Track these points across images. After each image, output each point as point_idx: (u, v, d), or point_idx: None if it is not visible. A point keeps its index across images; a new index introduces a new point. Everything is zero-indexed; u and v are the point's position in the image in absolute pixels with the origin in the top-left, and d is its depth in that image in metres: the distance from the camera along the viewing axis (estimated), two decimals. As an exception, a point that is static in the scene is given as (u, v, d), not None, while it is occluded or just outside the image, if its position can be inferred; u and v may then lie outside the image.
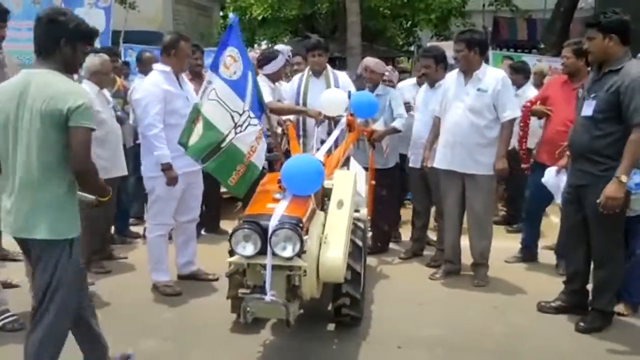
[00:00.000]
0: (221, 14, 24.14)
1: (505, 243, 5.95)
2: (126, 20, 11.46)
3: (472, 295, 4.79)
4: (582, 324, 4.17)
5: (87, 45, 3.14)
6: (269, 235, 3.27)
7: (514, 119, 4.93)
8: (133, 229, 6.41)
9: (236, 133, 3.39)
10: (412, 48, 19.75)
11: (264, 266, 3.32)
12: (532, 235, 5.67)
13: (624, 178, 3.76)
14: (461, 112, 4.86)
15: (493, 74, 4.89)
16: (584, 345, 3.97)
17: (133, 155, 5.63)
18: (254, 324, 3.86)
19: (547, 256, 5.61)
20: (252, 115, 3.59)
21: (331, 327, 4.15)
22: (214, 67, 3.47)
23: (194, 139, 3.34)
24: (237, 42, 3.63)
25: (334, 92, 5.06)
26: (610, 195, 3.79)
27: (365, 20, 16.74)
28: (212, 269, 5.00)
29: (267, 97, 5.02)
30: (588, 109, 4.00)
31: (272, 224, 3.31)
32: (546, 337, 4.07)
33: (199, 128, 3.35)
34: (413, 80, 6.41)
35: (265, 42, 15.72)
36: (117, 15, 10.68)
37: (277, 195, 3.57)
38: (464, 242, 5.18)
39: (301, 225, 3.37)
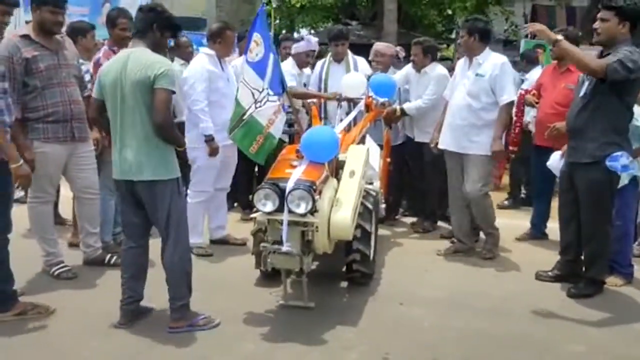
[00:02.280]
0: (264, 1, 24.68)
1: (516, 222, 6.29)
2: (171, 6, 12.03)
3: (476, 266, 5.16)
4: (573, 290, 4.51)
5: (172, 36, 3.93)
6: (285, 195, 3.76)
7: (512, 102, 5.16)
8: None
9: (256, 108, 3.89)
10: (452, 35, 19.80)
11: (282, 222, 3.81)
12: (541, 214, 5.95)
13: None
14: (461, 96, 5.17)
15: (493, 60, 5.11)
16: (571, 307, 4.32)
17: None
18: (275, 281, 4.37)
19: (556, 234, 5.91)
20: (270, 92, 4.08)
21: (344, 284, 4.63)
22: (245, 54, 4.00)
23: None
24: (261, 28, 4.11)
25: (353, 75, 5.51)
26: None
27: (406, 7, 16.96)
28: (241, 236, 5.53)
29: (291, 82, 5.54)
30: (582, 90, 4.32)
31: (289, 185, 3.80)
32: (538, 300, 4.42)
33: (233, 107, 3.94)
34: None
35: (304, 29, 16.18)
36: (162, 3, 11.25)
37: (295, 163, 4.07)
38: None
39: (314, 187, 3.85)
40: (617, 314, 4.23)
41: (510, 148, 5.72)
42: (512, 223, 6.15)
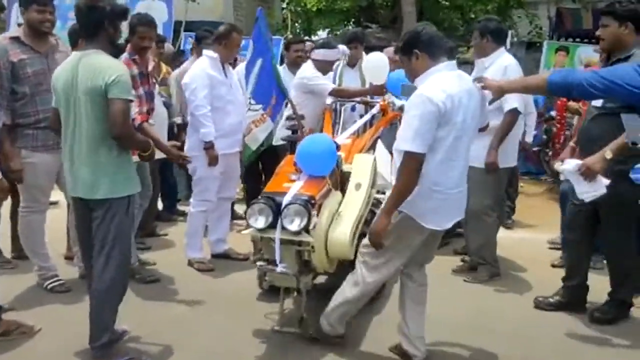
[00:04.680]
0: (283, 5, 24.53)
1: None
2: (187, 11, 11.87)
3: (496, 289, 4.80)
4: (597, 313, 4.17)
5: (123, 20, 3.50)
6: (281, 210, 3.47)
7: (515, 110, 4.59)
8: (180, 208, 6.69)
9: None
10: (474, 38, 19.38)
11: (274, 240, 3.51)
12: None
13: (608, 154, 3.56)
14: None
15: (498, 63, 4.68)
16: (597, 334, 4.02)
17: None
18: (277, 296, 4.02)
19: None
20: (252, 101, 3.83)
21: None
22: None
23: None
24: (257, 33, 3.85)
25: (376, 56, 5.31)
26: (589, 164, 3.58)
27: (427, 11, 16.66)
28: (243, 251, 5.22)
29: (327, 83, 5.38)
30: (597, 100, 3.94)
31: (286, 199, 3.51)
32: (561, 324, 4.13)
33: None
34: None
35: (322, 31, 15.90)
36: (177, 6, 11.08)
37: (293, 177, 3.77)
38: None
39: (313, 202, 3.54)
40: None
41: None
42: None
